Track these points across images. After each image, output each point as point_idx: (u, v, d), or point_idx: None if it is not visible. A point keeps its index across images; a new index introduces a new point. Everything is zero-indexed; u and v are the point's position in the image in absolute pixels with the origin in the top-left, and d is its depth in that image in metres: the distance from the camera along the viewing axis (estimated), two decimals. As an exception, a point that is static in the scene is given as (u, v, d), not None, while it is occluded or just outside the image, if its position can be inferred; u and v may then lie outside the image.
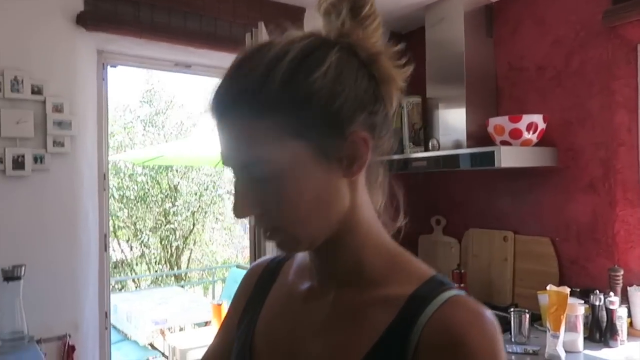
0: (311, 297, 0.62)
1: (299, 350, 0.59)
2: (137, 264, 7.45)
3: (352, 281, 0.58)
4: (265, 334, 0.64)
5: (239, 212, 0.54)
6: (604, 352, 1.71)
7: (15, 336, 1.74)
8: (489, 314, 0.51)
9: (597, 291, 1.81)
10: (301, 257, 0.68)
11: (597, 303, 1.78)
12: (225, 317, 0.74)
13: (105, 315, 2.11)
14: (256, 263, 0.74)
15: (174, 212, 7.39)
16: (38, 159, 1.93)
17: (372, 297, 0.56)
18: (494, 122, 2.18)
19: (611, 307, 1.75)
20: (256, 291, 0.70)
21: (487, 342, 0.49)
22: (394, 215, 0.62)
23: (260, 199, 0.53)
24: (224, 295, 4.36)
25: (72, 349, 1.90)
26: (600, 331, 1.76)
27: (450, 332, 0.49)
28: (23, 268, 1.77)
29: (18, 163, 1.89)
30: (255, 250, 2.62)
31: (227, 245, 8.00)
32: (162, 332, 3.60)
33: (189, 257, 7.66)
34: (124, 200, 7.20)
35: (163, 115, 8.18)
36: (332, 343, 0.56)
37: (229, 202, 8.02)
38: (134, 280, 7.12)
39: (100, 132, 2.16)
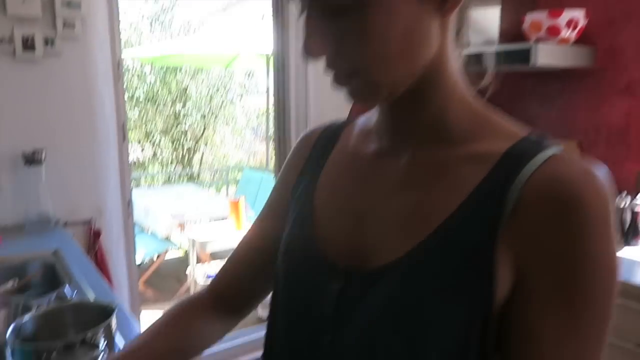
0: (381, 158, 0.57)
1: (368, 212, 0.55)
2: (149, 165, 7.54)
3: (432, 138, 0.53)
4: (326, 198, 0.60)
5: (311, 50, 0.48)
6: (624, 251, 1.72)
7: (42, 219, 1.77)
8: (601, 173, 0.47)
9: (624, 193, 1.80)
10: (364, 120, 0.63)
11: (622, 204, 1.77)
12: (272, 193, 0.71)
13: (127, 203, 2.14)
14: (309, 131, 0.69)
15: (184, 114, 7.33)
16: (49, 42, 1.84)
17: (457, 155, 0.51)
18: (531, 17, 2.03)
19: (637, 209, 1.74)
20: (312, 158, 0.65)
21: (602, 202, 0.45)
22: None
23: (338, 34, 0.46)
24: (238, 194, 4.44)
25: (97, 233, 1.95)
26: (622, 231, 1.77)
27: (560, 188, 0.45)
28: (43, 152, 1.76)
29: (28, 45, 1.80)
30: (281, 154, 2.58)
31: (238, 149, 8.02)
32: (181, 226, 3.71)
33: (201, 159, 7.72)
34: (134, 101, 7.11)
35: (170, 13, 7.81)
36: (409, 202, 0.52)
37: (239, 105, 7.90)
38: (147, 180, 7.25)
39: (111, 15, 2.03)
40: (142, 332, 0.65)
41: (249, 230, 0.72)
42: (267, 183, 4.36)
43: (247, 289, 0.71)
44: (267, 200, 0.72)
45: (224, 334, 0.72)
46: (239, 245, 0.72)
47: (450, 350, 0.49)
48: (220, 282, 0.72)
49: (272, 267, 0.65)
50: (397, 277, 0.50)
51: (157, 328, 0.66)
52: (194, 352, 0.68)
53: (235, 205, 3.38)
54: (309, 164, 0.66)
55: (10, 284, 1.33)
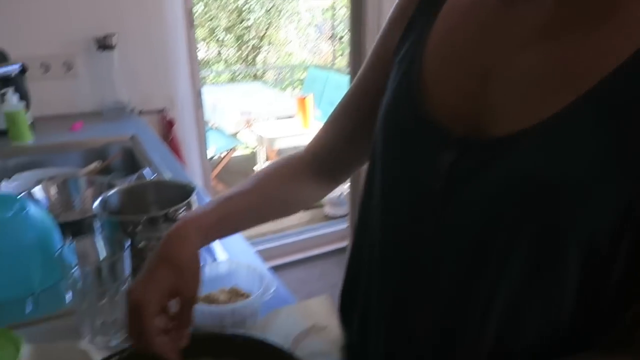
0: (514, 2, 0.45)
1: (495, 68, 0.45)
2: (213, 65, 7.53)
3: None
4: (439, 54, 0.50)
5: None
6: None
7: (118, 106, 1.79)
8: None
9: None
10: None
11: None
12: (369, 57, 0.62)
13: (198, 94, 2.11)
14: None
15: (247, 9, 7.10)
16: None
17: None
18: None
19: None
20: (420, 11, 0.54)
21: None
22: None
23: None
24: (303, 93, 4.34)
25: (170, 123, 1.96)
26: None
27: None
28: (115, 36, 1.73)
29: None
30: (355, 56, 2.39)
31: (302, 48, 7.78)
32: (248, 123, 3.73)
33: (265, 59, 7.60)
34: (197, -4, 6.94)
35: None
36: (555, 54, 0.42)
37: (302, 1, 7.52)
38: (212, 79, 7.29)
39: None
40: (241, 183, 0.64)
41: (345, 95, 0.65)
42: (332, 82, 4.21)
43: (342, 155, 0.67)
44: (364, 65, 0.63)
45: (320, 197, 0.71)
46: (336, 108, 0.67)
47: (596, 241, 0.40)
48: (315, 146, 0.69)
49: (369, 134, 0.58)
50: (533, 146, 0.41)
51: (256, 180, 0.64)
52: (289, 208, 0.67)
53: (302, 102, 3.31)
54: (416, 18, 0.55)
55: (93, 166, 1.37)
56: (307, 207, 0.70)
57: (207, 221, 0.55)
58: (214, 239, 0.58)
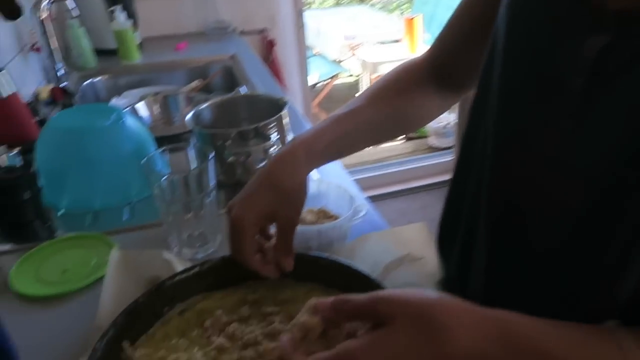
0: None
1: None
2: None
3: None
4: None
5: None
6: None
7: (220, 25, 1.78)
8: None
9: None
10: None
11: None
12: None
13: (299, 13, 2.02)
14: None
15: None
16: None
17: None
18: None
19: None
20: None
21: None
22: None
23: None
24: (413, 13, 4.04)
25: (271, 43, 1.91)
26: None
27: None
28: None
29: None
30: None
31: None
32: (352, 48, 3.57)
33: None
34: None
35: None
36: None
37: None
38: (317, 3, 7.09)
39: None
40: (353, 100, 0.58)
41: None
42: (444, 2, 3.84)
43: (464, 58, 0.56)
44: None
45: (441, 111, 0.63)
46: (454, 11, 0.56)
47: None
48: (433, 51, 0.59)
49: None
50: None
51: (369, 96, 0.58)
52: (408, 125, 0.61)
53: (410, 23, 3.07)
54: None
55: (194, 84, 1.37)
56: (425, 124, 0.63)
57: (318, 145, 0.51)
58: (323, 163, 0.54)
